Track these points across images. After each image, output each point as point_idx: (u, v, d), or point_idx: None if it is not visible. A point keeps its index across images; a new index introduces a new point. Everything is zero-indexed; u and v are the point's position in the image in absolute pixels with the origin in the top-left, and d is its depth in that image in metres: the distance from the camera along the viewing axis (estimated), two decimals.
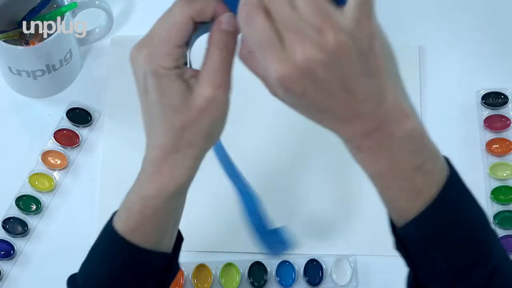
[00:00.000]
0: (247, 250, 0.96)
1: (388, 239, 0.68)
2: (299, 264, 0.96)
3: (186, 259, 0.93)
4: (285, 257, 0.96)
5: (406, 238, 0.66)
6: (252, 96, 0.95)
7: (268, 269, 0.95)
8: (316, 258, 0.96)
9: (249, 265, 0.95)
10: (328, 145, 0.95)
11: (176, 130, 0.65)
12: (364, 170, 0.64)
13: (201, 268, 0.95)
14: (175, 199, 0.69)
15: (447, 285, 0.66)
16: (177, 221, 0.72)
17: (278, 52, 0.58)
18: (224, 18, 0.64)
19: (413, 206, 0.64)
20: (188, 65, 0.67)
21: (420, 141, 0.63)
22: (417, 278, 0.67)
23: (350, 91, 0.59)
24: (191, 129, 0.65)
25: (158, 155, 0.67)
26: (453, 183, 0.65)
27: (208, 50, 0.65)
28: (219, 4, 0.65)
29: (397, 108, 0.61)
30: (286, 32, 0.58)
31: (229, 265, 0.95)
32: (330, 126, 0.62)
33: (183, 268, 0.95)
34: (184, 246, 0.76)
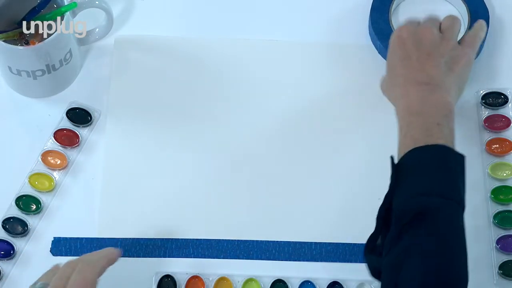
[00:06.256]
0: (270, 266, 0.96)
1: None
2: (321, 285, 0.94)
3: (208, 269, 0.94)
4: (308, 277, 0.94)
5: (403, 163, 0.84)
6: (251, 98, 0.97)
7: (290, 287, 0.94)
8: (339, 281, 0.94)
9: (271, 282, 0.94)
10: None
11: None
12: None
13: (222, 280, 0.95)
14: None
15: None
16: None
17: None
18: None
19: (421, 140, 0.84)
20: None
21: (449, 112, 0.87)
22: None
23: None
24: None
25: None
26: (455, 152, 0.84)
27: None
28: None
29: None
30: None
31: (251, 280, 0.95)
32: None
33: (203, 279, 0.94)
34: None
